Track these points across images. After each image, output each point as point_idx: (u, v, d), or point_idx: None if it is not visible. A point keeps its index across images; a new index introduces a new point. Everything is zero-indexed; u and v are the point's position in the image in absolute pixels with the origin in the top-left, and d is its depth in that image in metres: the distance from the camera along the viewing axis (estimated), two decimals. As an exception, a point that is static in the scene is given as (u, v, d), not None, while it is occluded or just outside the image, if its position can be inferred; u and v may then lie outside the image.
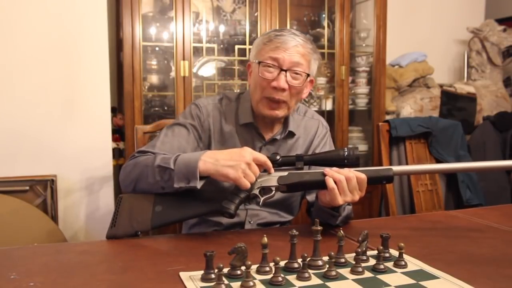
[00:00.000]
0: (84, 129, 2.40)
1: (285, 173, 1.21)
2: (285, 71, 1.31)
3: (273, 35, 1.33)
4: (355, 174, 1.17)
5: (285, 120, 1.44)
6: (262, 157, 1.19)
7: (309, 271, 0.92)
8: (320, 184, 1.19)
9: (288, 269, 0.94)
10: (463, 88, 3.49)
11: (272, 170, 1.21)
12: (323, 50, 2.96)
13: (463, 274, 0.94)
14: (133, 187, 1.26)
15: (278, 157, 1.22)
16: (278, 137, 1.43)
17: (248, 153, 1.17)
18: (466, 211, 1.59)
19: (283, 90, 1.32)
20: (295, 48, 1.32)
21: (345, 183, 1.16)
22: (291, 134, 1.45)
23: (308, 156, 1.26)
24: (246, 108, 1.42)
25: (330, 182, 1.17)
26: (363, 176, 1.18)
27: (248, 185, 1.16)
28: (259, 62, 1.33)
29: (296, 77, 1.33)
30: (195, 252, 1.08)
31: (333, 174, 1.18)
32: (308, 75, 1.35)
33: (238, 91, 2.63)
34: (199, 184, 1.16)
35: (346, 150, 1.22)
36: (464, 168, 1.40)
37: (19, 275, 0.93)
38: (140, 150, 1.33)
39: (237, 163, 1.15)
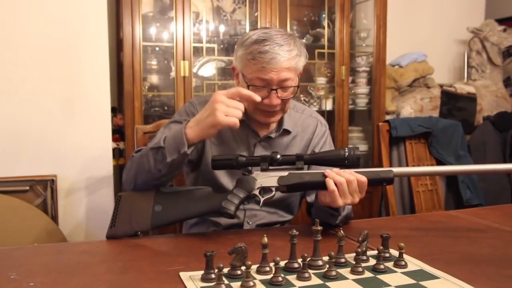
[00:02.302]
0: (84, 129, 2.40)
1: (285, 173, 1.21)
2: (276, 89, 1.29)
3: (256, 52, 1.26)
4: (356, 177, 1.16)
5: (280, 118, 1.43)
6: (234, 90, 1.18)
7: (309, 271, 0.92)
8: (321, 185, 1.18)
9: (288, 269, 0.94)
10: (463, 88, 3.49)
11: (253, 95, 1.20)
12: (323, 50, 2.96)
13: (463, 274, 0.94)
14: (134, 183, 1.25)
15: (278, 156, 1.21)
16: (273, 135, 1.42)
17: (218, 95, 1.16)
18: (466, 211, 1.59)
19: (276, 105, 1.31)
20: (281, 64, 1.26)
21: (345, 186, 1.15)
22: (287, 132, 1.44)
23: (308, 156, 1.25)
24: None
25: (330, 184, 1.16)
26: (364, 179, 1.17)
27: (234, 121, 1.14)
28: (249, 85, 1.30)
29: (286, 90, 1.31)
30: (195, 252, 1.08)
31: (334, 176, 1.16)
32: (298, 86, 1.33)
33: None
34: (188, 149, 1.17)
35: (346, 150, 1.20)
36: (465, 171, 1.38)
37: (19, 275, 0.93)
38: (138, 149, 1.33)
39: (212, 108, 1.15)
